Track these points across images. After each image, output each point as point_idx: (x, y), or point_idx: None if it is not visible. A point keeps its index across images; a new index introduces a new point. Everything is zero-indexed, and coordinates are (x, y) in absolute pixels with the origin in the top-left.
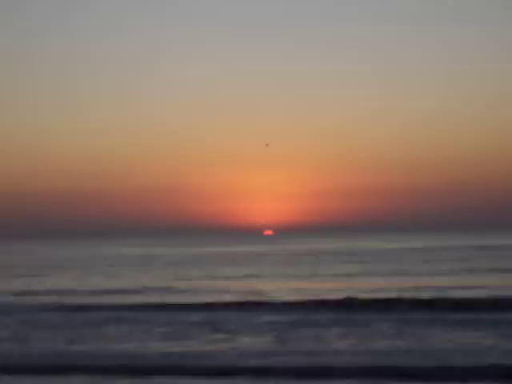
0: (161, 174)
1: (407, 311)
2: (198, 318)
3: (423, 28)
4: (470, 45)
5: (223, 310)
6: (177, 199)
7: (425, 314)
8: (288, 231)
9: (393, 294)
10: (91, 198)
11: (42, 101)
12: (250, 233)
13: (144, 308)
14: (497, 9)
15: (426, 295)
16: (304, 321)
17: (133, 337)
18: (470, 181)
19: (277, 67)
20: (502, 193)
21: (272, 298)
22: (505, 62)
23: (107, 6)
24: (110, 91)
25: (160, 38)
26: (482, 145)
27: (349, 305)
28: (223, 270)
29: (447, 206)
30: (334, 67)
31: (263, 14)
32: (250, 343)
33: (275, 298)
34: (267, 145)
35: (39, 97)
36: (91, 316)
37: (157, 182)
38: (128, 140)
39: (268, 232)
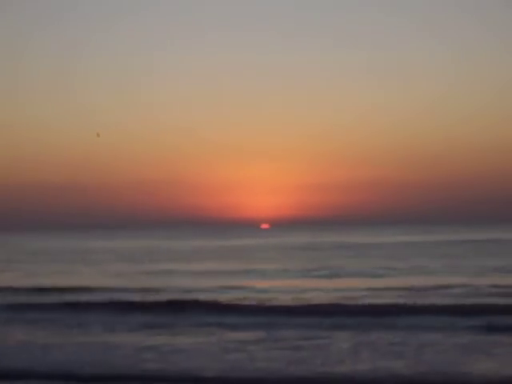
0: (156, 167)
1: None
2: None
3: (425, 16)
4: (474, 34)
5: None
6: (173, 192)
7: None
8: (285, 225)
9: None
10: (86, 191)
11: (38, 92)
12: (246, 226)
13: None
14: None
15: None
16: None
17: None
18: (472, 174)
19: (275, 60)
20: (505, 186)
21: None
22: (508, 50)
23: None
24: (108, 83)
25: (159, 30)
26: (485, 137)
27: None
28: (203, 265)
29: (447, 199)
30: (332, 60)
31: (262, 7)
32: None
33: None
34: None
35: (35, 88)
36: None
37: (152, 176)
38: (124, 132)
39: (265, 225)
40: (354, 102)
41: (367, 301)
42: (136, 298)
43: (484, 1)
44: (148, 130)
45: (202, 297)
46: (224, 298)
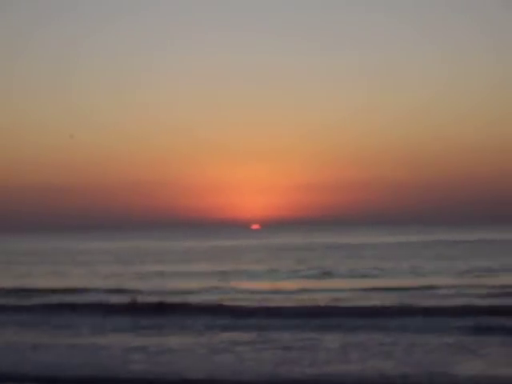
0: (150, 168)
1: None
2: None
3: (417, 17)
4: (467, 34)
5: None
6: (165, 193)
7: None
8: (276, 225)
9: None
10: (82, 193)
11: (37, 92)
12: (237, 227)
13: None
14: None
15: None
16: None
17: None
18: (465, 174)
19: (267, 61)
20: (498, 186)
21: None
22: (501, 50)
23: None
24: (105, 84)
25: (157, 30)
26: (478, 138)
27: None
28: (194, 266)
29: (440, 200)
30: (324, 60)
31: (259, 8)
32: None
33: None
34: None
35: (34, 88)
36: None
37: (145, 177)
38: (120, 133)
39: (255, 226)
40: (347, 103)
41: (358, 302)
42: (126, 299)
43: (477, 2)
44: (144, 131)
45: (192, 298)
46: (214, 299)
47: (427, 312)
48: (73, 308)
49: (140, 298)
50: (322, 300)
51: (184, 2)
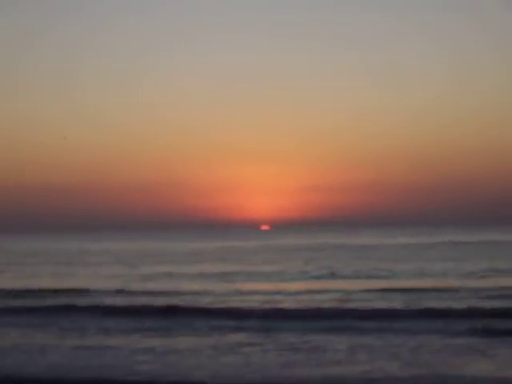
0: (157, 168)
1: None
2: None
3: (420, 17)
4: (469, 35)
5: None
6: (173, 194)
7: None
8: (285, 226)
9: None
10: (87, 193)
11: (38, 91)
12: (246, 228)
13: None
14: None
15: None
16: None
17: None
18: (468, 176)
19: (274, 62)
20: (501, 188)
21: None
22: (503, 52)
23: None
24: (109, 84)
25: (161, 31)
26: (480, 139)
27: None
28: (202, 267)
29: (444, 201)
30: (331, 61)
31: (262, 9)
32: None
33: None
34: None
35: (35, 87)
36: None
37: (152, 177)
38: (124, 133)
39: (265, 227)
40: (352, 104)
41: (365, 303)
42: (132, 301)
43: (479, 2)
44: (149, 131)
45: (199, 299)
46: (221, 300)
47: (435, 313)
48: (77, 309)
49: (146, 300)
50: (329, 301)
51: (190, 3)
